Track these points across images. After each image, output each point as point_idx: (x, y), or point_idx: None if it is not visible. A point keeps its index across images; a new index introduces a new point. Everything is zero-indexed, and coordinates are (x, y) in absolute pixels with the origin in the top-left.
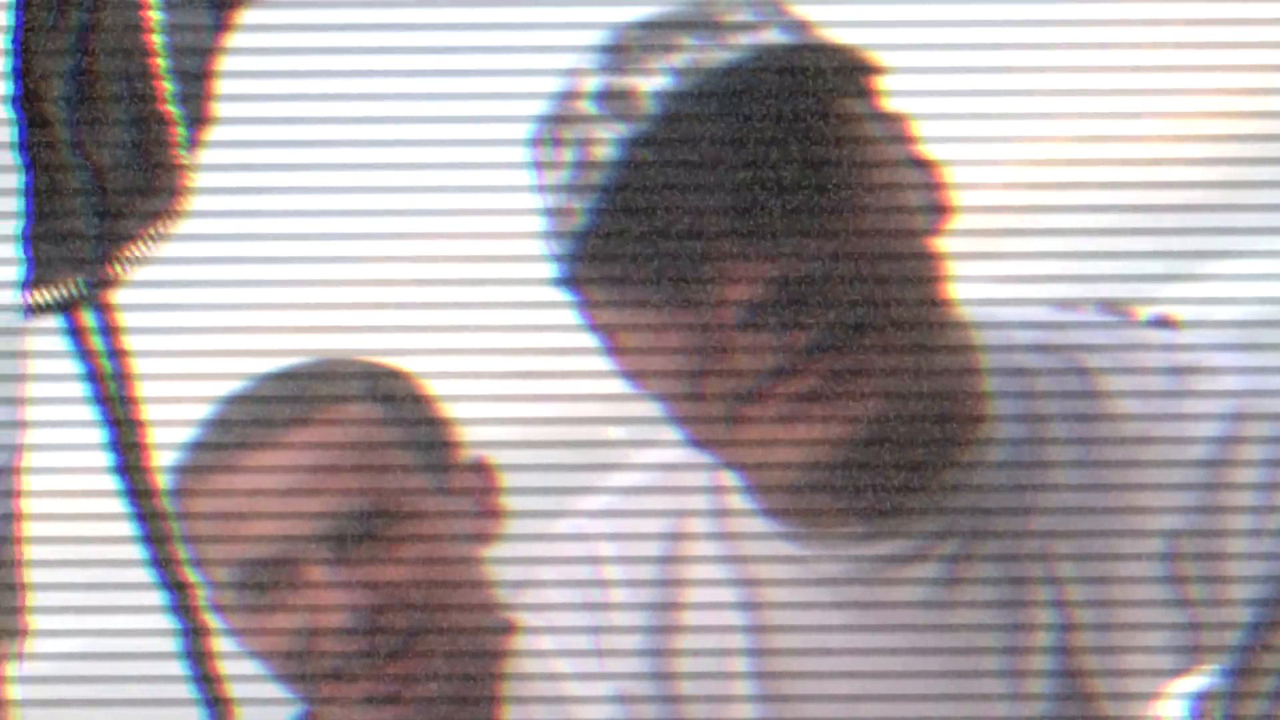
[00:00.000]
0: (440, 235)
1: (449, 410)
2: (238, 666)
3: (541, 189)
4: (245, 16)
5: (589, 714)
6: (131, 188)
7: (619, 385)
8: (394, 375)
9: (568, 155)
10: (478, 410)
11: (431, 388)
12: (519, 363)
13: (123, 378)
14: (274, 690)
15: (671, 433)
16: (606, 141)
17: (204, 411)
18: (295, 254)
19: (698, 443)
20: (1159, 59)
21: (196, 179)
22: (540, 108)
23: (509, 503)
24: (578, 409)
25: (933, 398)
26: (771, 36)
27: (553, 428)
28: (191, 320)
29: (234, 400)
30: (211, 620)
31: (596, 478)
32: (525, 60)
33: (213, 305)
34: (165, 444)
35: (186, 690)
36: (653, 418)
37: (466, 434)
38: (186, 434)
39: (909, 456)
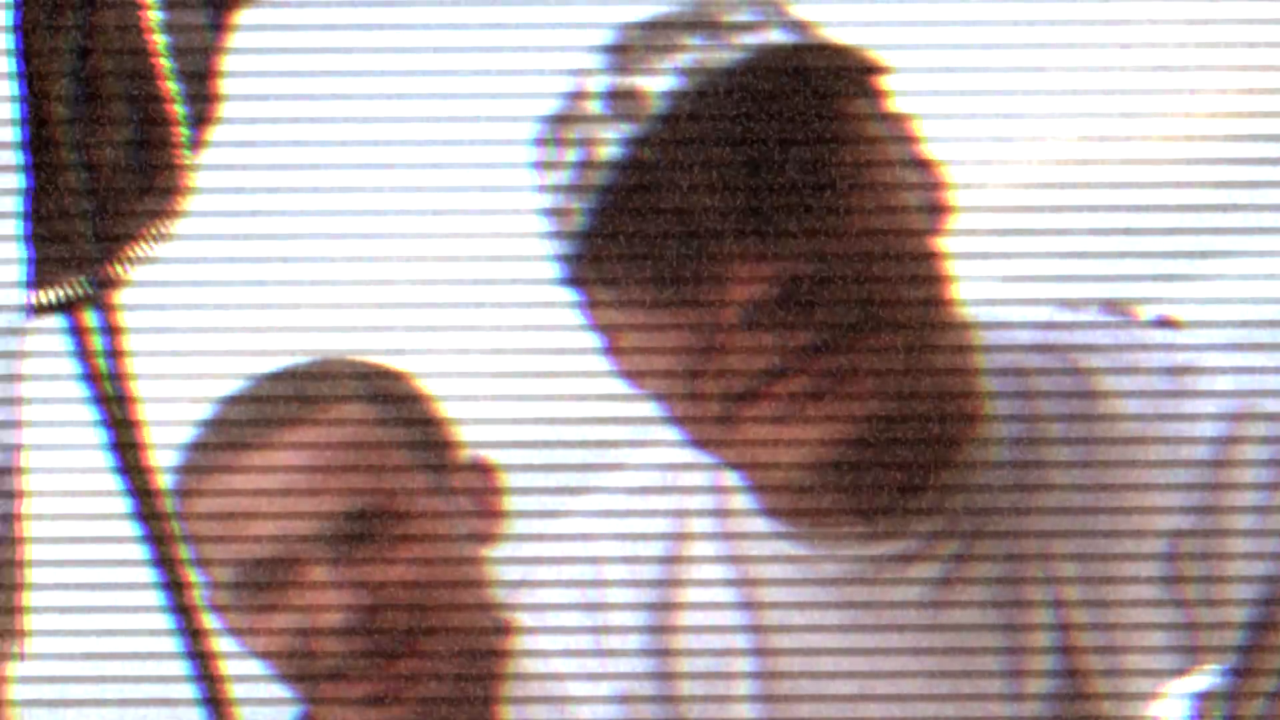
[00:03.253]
0: (440, 235)
1: (448, 410)
2: (238, 667)
3: (544, 189)
4: (245, 16)
5: (589, 714)
6: (133, 187)
7: (619, 385)
8: (392, 375)
9: (570, 155)
10: (477, 410)
11: (430, 388)
12: (519, 362)
13: (123, 378)
14: (274, 690)
15: (671, 433)
16: (609, 141)
17: (203, 411)
18: (295, 254)
19: (698, 443)
20: (1160, 59)
21: (198, 179)
22: (543, 108)
23: (509, 503)
24: (578, 409)
25: (932, 398)
26: (774, 36)
27: (553, 428)
28: (191, 320)
29: (232, 400)
30: (211, 620)
31: (597, 477)
32: (528, 60)
33: (213, 305)
34: (165, 444)
35: (186, 690)
36: (653, 418)
37: (466, 434)
38: (186, 434)
39: (909, 456)
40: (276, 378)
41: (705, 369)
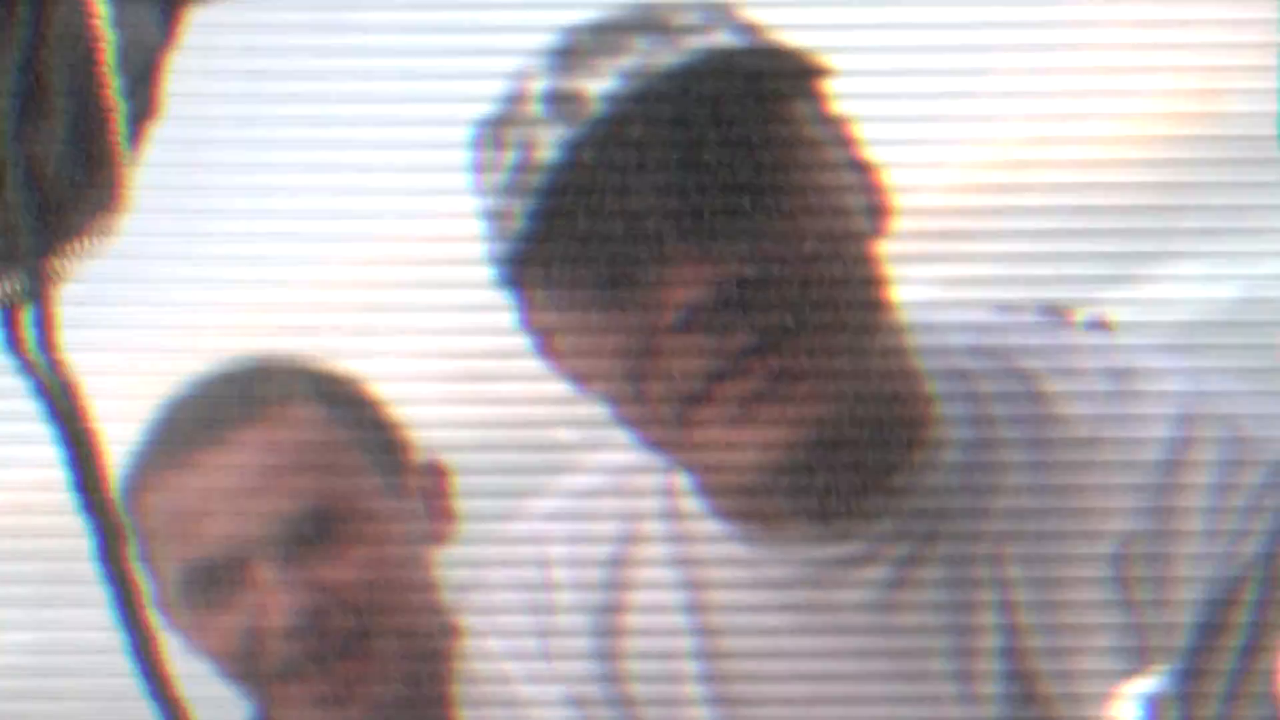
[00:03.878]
0: (390, 238)
1: (399, 412)
2: (192, 666)
3: (481, 191)
4: (193, 15)
5: (541, 716)
6: (71, 184)
7: (570, 387)
8: (339, 376)
9: (508, 157)
10: (428, 413)
11: (380, 389)
12: (470, 366)
13: (66, 377)
14: (227, 690)
15: (623, 435)
16: (548, 144)
17: (150, 412)
18: (241, 254)
19: (649, 444)
20: (1101, 61)
21: (138, 176)
22: (485, 110)
23: (461, 505)
24: (530, 411)
25: (879, 400)
26: (722, 39)
27: (504, 430)
28: (136, 318)
29: (180, 401)
30: (160, 619)
31: (549, 480)
32: (472, 63)
33: (161, 305)
34: (113, 444)
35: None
36: (604, 420)
37: (418, 436)
38: (134, 435)
39: (857, 459)
40: (226, 378)
41: (649, 371)
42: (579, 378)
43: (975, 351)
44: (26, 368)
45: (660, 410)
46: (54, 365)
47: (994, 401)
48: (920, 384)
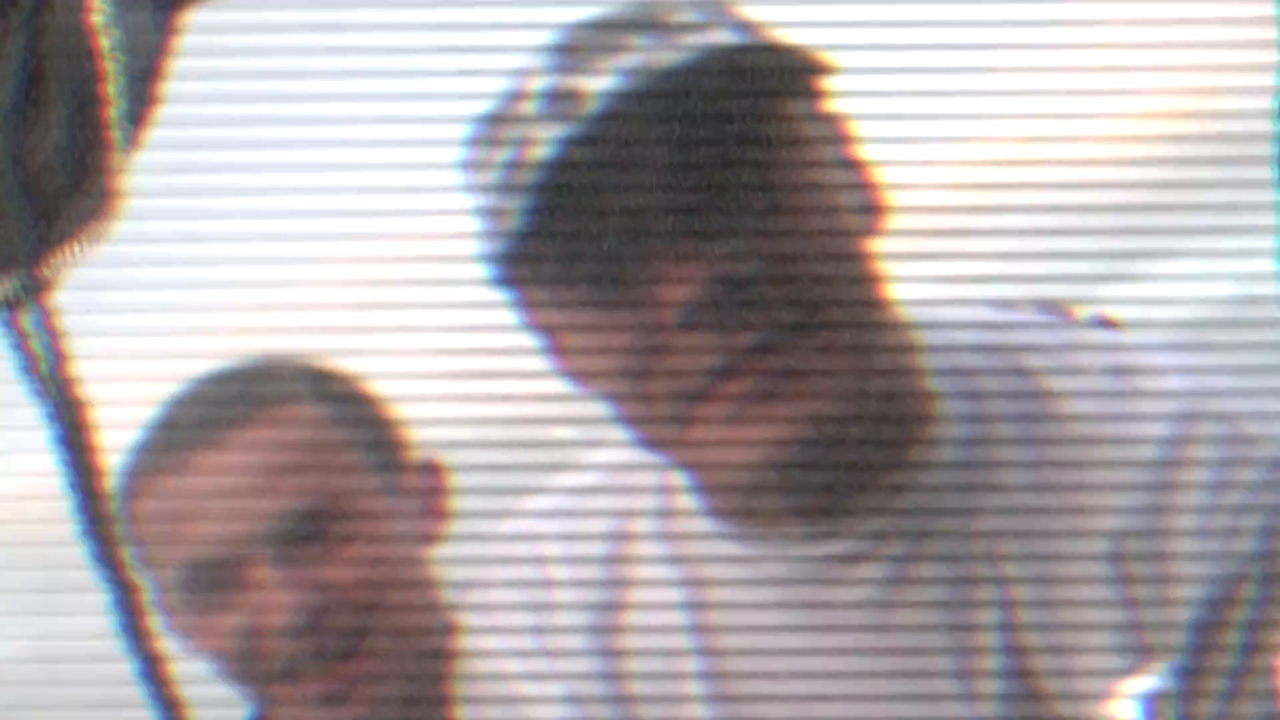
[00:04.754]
0: (387, 236)
1: (397, 411)
2: (191, 668)
3: (475, 189)
4: (191, 17)
5: (541, 714)
6: (66, 188)
7: (568, 386)
8: (337, 375)
9: (503, 155)
10: (425, 411)
11: (378, 388)
12: (467, 363)
13: (65, 380)
14: (227, 691)
15: (620, 433)
16: (544, 142)
17: (148, 413)
18: (238, 255)
19: (646, 442)
20: (1099, 59)
21: (134, 179)
22: (482, 108)
23: (458, 503)
24: (527, 409)
25: (878, 398)
26: (721, 37)
27: (502, 428)
28: (133, 322)
29: (177, 401)
30: (158, 621)
31: (546, 478)
32: (471, 61)
33: (158, 307)
34: (111, 446)
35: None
36: (602, 418)
37: (415, 435)
38: (131, 436)
39: (855, 456)
40: (223, 378)
41: (647, 369)
42: (579, 376)
43: (979, 349)
44: (30, 369)
45: (659, 408)
46: (57, 367)
47: (994, 399)
48: (920, 381)
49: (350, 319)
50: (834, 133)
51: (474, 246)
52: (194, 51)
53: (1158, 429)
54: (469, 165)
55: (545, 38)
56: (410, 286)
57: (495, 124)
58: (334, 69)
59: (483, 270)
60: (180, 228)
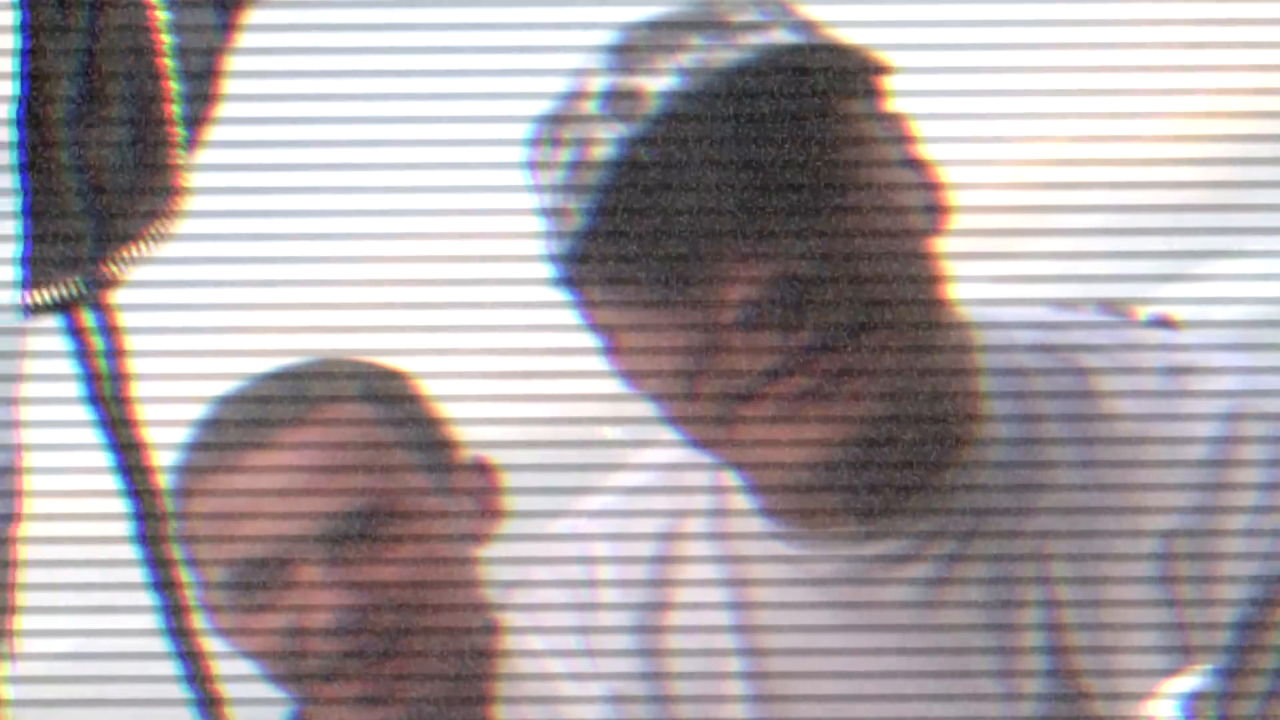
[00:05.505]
0: (439, 235)
1: (447, 410)
2: (230, 666)
3: (538, 189)
4: (250, 16)
5: (581, 714)
6: (130, 188)
7: (618, 385)
8: (389, 375)
9: (565, 155)
10: (477, 410)
11: (429, 388)
12: (518, 363)
13: (121, 378)
14: (266, 691)
15: (670, 433)
16: (605, 141)
17: (202, 412)
18: (293, 254)
19: (697, 442)
20: (1158, 59)
21: (195, 179)
22: (542, 108)
23: (509, 503)
24: (578, 409)
25: (930, 398)
26: (779, 36)
27: (553, 428)
28: (190, 320)
29: (230, 400)
30: (204, 620)
31: (598, 477)
32: (530, 60)
33: (211, 305)
34: (163, 444)
35: (178, 690)
36: (651, 418)
37: (465, 434)
38: (183, 434)
39: (906, 456)
40: (275, 378)
41: (704, 369)
42: (634, 375)
43: (1036, 348)
44: (87, 366)
45: (711, 408)
46: (114, 364)
47: (1045, 399)
48: (974, 381)
49: (402, 319)
50: (895, 132)
51: (523, 246)
52: (250, 52)
53: (1208, 428)
54: (532, 165)
55: (604, 37)
56: (460, 286)
57: (557, 124)
58: (395, 68)
59: (535, 269)
60: (234, 226)
